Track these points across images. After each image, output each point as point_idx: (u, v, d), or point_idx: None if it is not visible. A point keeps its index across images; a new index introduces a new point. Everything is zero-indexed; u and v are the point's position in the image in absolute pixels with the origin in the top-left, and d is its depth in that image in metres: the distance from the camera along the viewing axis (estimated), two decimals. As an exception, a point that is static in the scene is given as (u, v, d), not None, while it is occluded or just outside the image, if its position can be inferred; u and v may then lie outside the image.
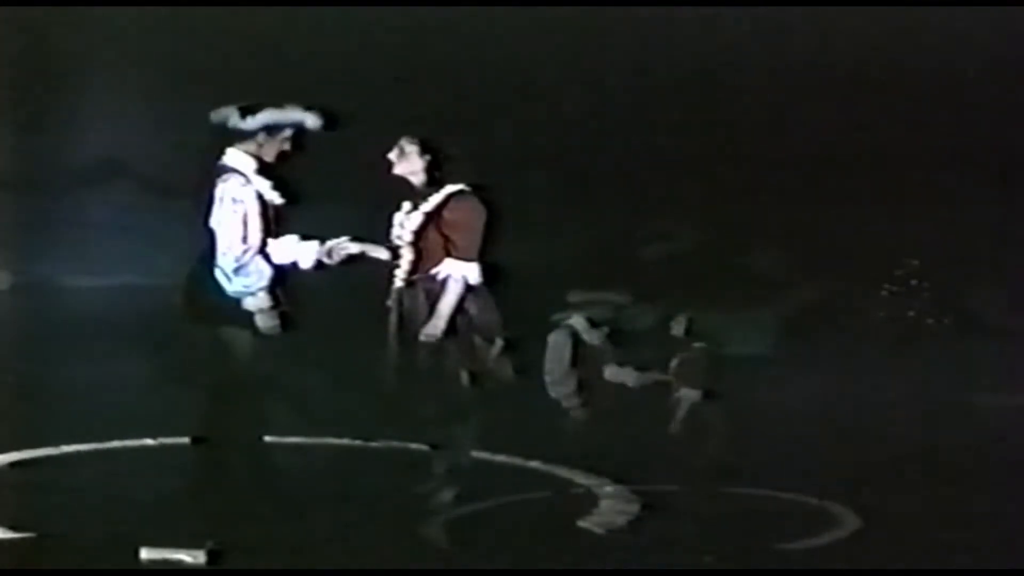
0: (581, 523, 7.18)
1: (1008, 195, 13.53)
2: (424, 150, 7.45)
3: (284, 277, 7.29)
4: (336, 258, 7.37)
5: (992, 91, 13.75)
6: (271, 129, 7.23)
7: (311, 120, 7.24)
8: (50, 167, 16.57)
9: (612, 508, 7.45)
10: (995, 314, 12.87)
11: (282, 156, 7.30)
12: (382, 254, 7.43)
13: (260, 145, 7.25)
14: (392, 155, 7.50)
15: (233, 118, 7.24)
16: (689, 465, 8.56)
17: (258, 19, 14.15)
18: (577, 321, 9.77)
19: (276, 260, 7.23)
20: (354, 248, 7.38)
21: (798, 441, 9.35)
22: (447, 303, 7.31)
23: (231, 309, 7.16)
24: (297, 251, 7.32)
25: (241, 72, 12.98)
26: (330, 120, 7.29)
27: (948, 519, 7.49)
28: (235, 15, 14.04)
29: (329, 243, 7.35)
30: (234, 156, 7.25)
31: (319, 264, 7.37)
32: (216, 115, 7.28)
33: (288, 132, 7.26)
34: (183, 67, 14.44)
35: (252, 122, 7.22)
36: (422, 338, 7.32)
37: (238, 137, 7.24)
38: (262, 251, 7.22)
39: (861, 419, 9.95)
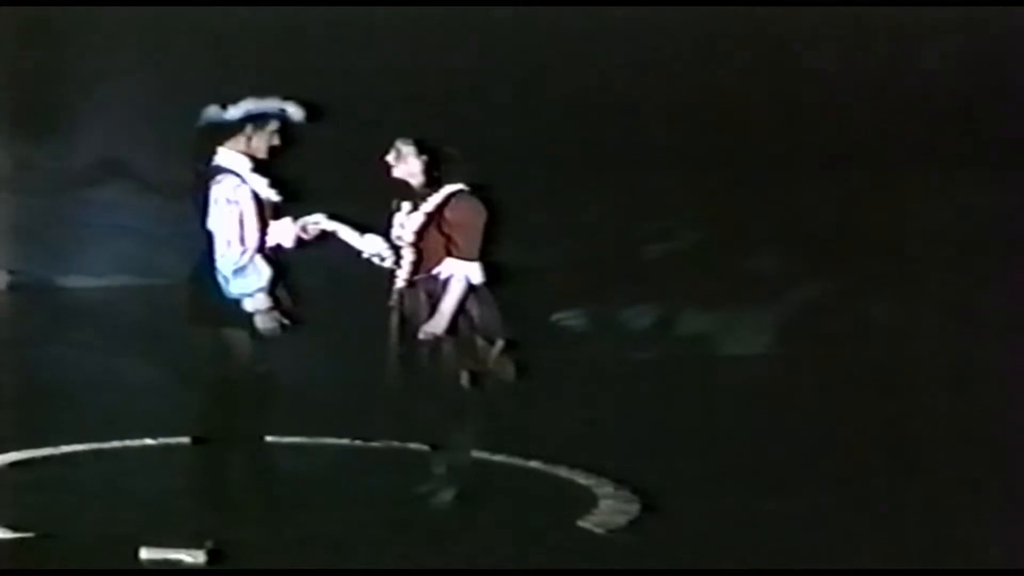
0: (581, 523, 7.18)
1: (1009, 193, 13.53)
2: (421, 150, 7.43)
3: (285, 278, 7.29)
4: (312, 233, 7.37)
5: (993, 90, 13.75)
6: (257, 120, 7.21)
7: (293, 110, 7.23)
8: (49, 167, 16.60)
9: (612, 508, 7.44)
10: (995, 313, 12.86)
11: (273, 151, 7.28)
12: (355, 238, 7.40)
13: (249, 139, 7.22)
14: (390, 158, 7.48)
15: (215, 110, 7.22)
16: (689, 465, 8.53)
17: (258, 18, 14.16)
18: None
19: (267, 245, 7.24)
20: (327, 225, 7.38)
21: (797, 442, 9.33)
22: (449, 303, 7.30)
23: (232, 310, 7.15)
24: (278, 233, 7.33)
25: (240, 71, 12.99)
26: (312, 111, 7.29)
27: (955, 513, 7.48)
28: (235, 15, 14.05)
29: (302, 219, 7.36)
30: (226, 156, 7.23)
31: (300, 242, 7.37)
32: (201, 120, 7.28)
33: (274, 124, 7.24)
34: (183, 67, 14.46)
35: (235, 111, 7.20)
36: (422, 336, 7.31)
37: (226, 132, 7.21)
38: (260, 251, 7.22)
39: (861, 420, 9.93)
